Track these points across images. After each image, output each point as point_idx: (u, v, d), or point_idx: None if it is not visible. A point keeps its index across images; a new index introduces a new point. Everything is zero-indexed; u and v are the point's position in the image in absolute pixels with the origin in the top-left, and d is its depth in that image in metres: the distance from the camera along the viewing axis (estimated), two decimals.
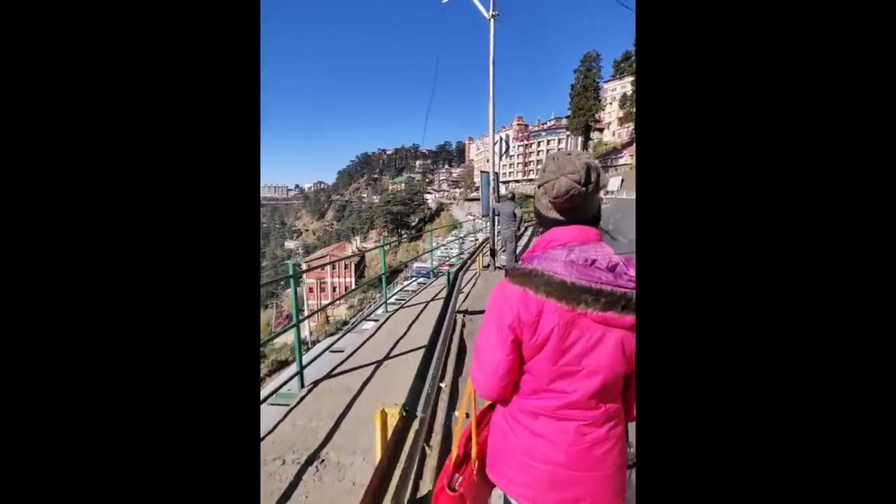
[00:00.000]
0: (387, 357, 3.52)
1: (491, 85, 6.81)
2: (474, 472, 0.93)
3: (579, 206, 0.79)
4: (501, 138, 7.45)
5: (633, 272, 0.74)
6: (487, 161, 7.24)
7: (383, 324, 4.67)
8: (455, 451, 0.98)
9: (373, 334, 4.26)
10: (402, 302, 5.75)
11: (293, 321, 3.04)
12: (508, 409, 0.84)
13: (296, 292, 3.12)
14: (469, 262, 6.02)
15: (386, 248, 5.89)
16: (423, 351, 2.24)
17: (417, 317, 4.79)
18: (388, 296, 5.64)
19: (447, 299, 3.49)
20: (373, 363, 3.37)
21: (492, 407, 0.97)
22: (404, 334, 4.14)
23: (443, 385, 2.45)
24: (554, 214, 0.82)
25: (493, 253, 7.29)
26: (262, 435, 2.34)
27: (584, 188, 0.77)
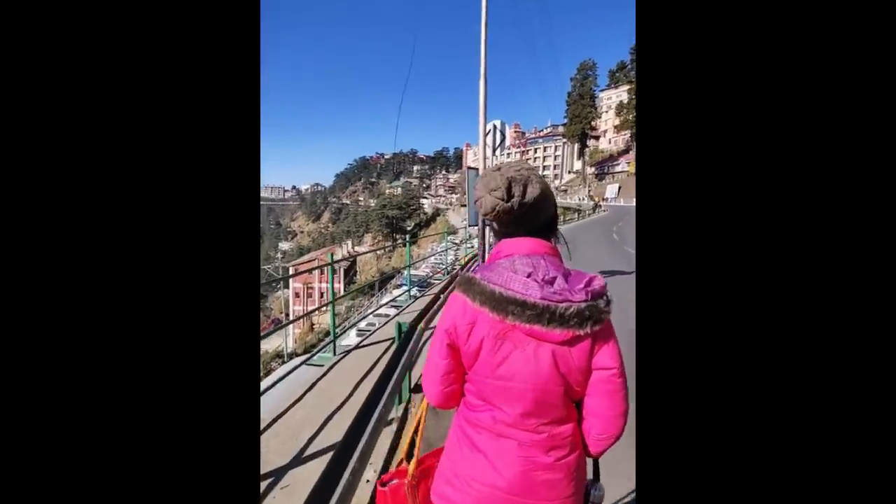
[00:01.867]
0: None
1: (483, 60, 5.64)
2: (406, 483, 0.94)
3: (517, 219, 0.78)
4: (495, 126, 6.11)
5: (575, 286, 0.72)
6: (481, 157, 5.97)
7: (318, 381, 3.12)
8: (402, 456, 0.97)
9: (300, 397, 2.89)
10: (366, 334, 4.22)
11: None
12: (458, 421, 0.84)
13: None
14: (434, 307, 3.14)
15: (379, 252, 5.77)
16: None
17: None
18: (359, 319, 5.27)
19: (390, 367, 1.95)
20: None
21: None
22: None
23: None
24: (511, 225, 0.81)
25: None
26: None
27: (507, 204, 0.75)
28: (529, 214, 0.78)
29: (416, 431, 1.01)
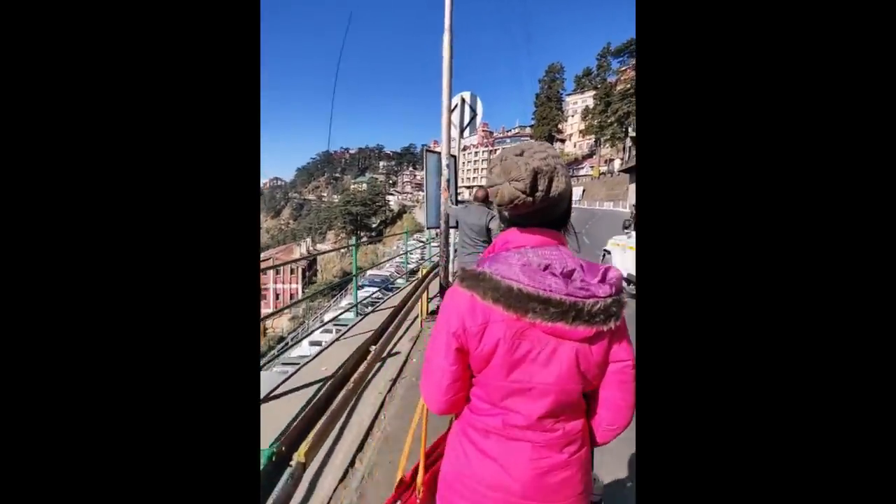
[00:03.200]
0: None
1: (448, 7, 3.90)
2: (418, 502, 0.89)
3: (534, 212, 0.71)
4: (464, 100, 4.46)
5: (592, 279, 0.69)
6: (444, 138, 4.01)
7: None
8: (400, 473, 0.95)
9: None
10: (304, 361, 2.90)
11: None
12: (461, 426, 0.78)
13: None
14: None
15: (343, 250, 4.55)
16: None
17: None
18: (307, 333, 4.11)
19: None
20: None
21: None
22: None
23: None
24: (526, 217, 0.73)
25: (443, 291, 4.00)
26: None
27: (529, 198, 0.68)
28: (549, 210, 0.72)
29: (418, 442, 0.95)
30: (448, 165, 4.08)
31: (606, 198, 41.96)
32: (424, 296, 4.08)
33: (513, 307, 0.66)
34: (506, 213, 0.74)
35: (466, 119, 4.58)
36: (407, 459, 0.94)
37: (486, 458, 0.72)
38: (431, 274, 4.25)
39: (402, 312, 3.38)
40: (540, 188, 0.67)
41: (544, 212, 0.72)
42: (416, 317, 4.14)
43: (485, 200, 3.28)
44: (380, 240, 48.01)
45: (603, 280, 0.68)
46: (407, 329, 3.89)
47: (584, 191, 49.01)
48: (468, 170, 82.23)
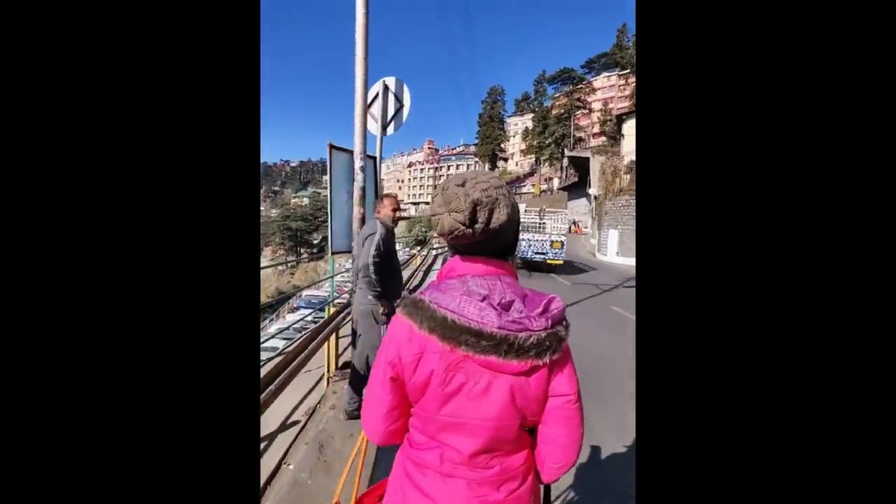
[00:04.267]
0: None
1: None
2: None
3: (475, 243, 0.70)
4: (387, 87, 3.47)
5: (533, 311, 0.66)
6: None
7: None
8: (335, 498, 0.96)
9: None
10: None
11: None
12: (401, 460, 0.76)
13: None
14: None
15: (280, 268, 3.36)
16: None
17: None
18: None
19: None
20: None
21: None
22: None
23: None
24: (468, 245, 0.72)
25: (351, 367, 2.59)
26: None
27: (469, 229, 0.67)
28: (491, 240, 0.70)
29: (355, 471, 0.94)
30: (363, 169, 3.09)
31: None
32: (331, 342, 2.98)
33: (447, 338, 0.64)
34: (451, 243, 0.72)
35: (391, 111, 3.48)
36: (342, 489, 0.91)
37: (423, 497, 0.69)
38: (343, 313, 3.04)
39: (296, 363, 2.38)
40: (480, 220, 0.67)
41: (484, 243, 0.70)
42: (322, 374, 3.14)
43: (395, 212, 2.49)
44: (321, 257, 45.24)
45: (544, 312, 0.67)
46: (308, 391, 2.91)
47: (525, 207, 50.96)
48: (413, 185, 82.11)
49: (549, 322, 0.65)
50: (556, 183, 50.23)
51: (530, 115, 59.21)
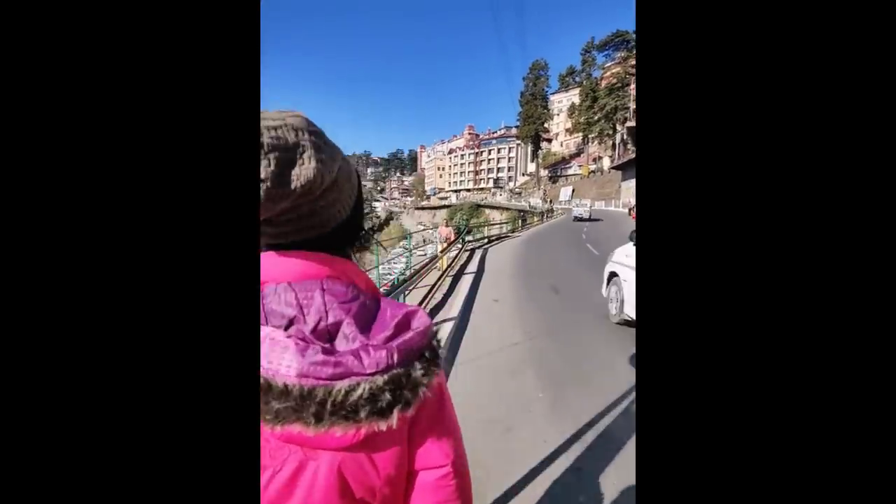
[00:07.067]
0: None
1: None
2: None
3: (276, 220, 0.45)
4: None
5: (379, 336, 0.43)
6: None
7: None
8: None
9: None
10: None
11: None
12: None
13: None
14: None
15: None
16: None
17: None
18: None
19: None
20: None
21: None
22: None
23: None
24: (268, 228, 0.46)
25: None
26: None
27: (274, 189, 0.42)
28: (298, 218, 0.45)
29: None
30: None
31: (597, 197, 41.16)
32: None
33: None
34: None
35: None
36: None
37: None
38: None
39: None
40: (268, 179, 0.41)
41: (289, 222, 0.44)
42: None
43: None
44: (367, 248, 46.06)
45: (392, 338, 0.42)
46: None
47: (573, 190, 48.33)
48: (454, 173, 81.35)
49: (394, 357, 0.41)
50: (606, 163, 46.85)
51: (576, 91, 55.54)
